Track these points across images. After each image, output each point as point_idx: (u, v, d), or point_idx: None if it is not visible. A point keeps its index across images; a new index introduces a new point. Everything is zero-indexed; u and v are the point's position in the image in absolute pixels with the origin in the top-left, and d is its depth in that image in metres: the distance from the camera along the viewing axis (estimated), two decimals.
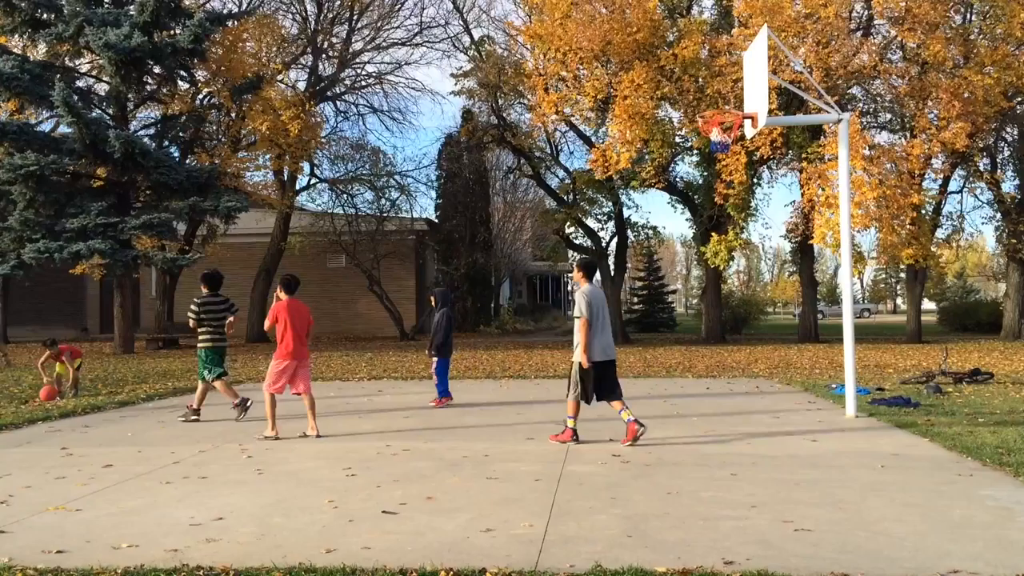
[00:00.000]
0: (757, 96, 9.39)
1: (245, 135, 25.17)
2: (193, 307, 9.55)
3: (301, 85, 29.02)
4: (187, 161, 23.48)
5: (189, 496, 5.81)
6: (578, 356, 7.50)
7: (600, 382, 7.57)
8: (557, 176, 30.20)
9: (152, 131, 23.80)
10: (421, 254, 33.94)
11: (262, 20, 25.82)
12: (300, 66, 29.91)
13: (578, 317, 7.46)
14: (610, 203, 27.20)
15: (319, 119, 27.89)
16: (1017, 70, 20.82)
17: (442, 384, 10.74)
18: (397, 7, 30.72)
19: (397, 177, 30.63)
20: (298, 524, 5.03)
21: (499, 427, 8.85)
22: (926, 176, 22.99)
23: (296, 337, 8.29)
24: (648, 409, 10.08)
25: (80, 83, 23.06)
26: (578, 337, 7.45)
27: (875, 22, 23.07)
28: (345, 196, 29.97)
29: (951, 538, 4.58)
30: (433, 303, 11.19)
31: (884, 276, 79.92)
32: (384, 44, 31.25)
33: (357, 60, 30.86)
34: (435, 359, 10.80)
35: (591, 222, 28.42)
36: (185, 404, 10.28)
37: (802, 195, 20.90)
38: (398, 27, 31.58)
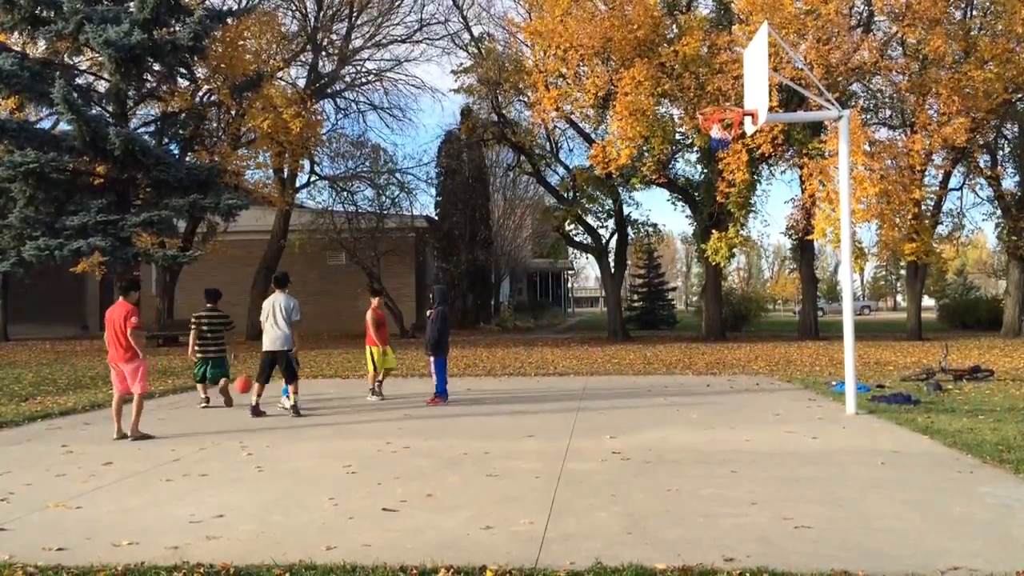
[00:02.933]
0: (757, 93, 9.39)
1: (245, 132, 25.14)
2: None
3: (301, 82, 28.97)
4: (187, 159, 23.44)
5: (189, 494, 5.82)
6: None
7: (266, 367, 9.74)
8: (557, 173, 30.18)
9: (152, 128, 23.77)
10: (421, 251, 33.93)
11: (262, 17, 25.75)
12: (300, 63, 29.87)
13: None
14: (610, 200, 27.17)
15: (319, 116, 27.84)
16: (1018, 65, 20.81)
17: (441, 383, 10.74)
18: (397, 4, 30.63)
19: (397, 174, 30.60)
20: (298, 521, 5.04)
21: (499, 425, 8.86)
22: (927, 172, 22.97)
23: (109, 340, 8.35)
24: (648, 407, 10.09)
25: (80, 80, 23.01)
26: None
27: (875, 18, 23.07)
28: (345, 193, 29.94)
29: (951, 535, 4.58)
30: (432, 300, 11.20)
31: (884, 273, 79.99)
32: (384, 41, 31.20)
33: (357, 57, 30.81)
34: (432, 358, 10.81)
35: (591, 219, 28.39)
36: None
37: (803, 191, 20.89)
38: (398, 24, 31.53)
